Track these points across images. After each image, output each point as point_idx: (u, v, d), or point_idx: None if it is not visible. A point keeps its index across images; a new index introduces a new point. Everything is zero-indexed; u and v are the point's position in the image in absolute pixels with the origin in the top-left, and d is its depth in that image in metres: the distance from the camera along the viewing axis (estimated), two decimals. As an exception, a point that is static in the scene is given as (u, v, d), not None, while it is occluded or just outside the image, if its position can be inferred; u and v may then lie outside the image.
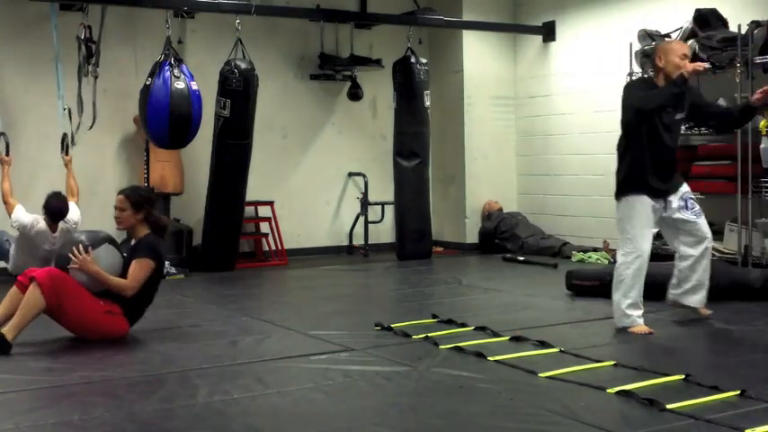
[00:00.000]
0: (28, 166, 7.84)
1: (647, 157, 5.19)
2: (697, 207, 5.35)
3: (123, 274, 5.10)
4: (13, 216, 7.14)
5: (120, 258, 5.18)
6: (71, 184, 7.55)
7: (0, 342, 4.67)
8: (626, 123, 5.28)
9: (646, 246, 5.22)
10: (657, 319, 5.61)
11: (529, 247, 9.34)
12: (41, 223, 7.11)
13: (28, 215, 7.13)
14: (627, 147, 5.29)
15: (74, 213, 7.29)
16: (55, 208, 7.09)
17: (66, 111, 7.65)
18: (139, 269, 5.08)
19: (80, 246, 4.98)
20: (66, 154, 7.66)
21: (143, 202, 5.24)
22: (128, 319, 5.13)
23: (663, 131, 5.20)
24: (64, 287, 4.86)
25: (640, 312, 5.23)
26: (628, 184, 5.26)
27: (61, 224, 7.19)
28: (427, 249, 9.36)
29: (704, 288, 5.42)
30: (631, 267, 5.20)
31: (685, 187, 5.39)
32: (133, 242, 5.26)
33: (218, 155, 8.30)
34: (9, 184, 7.29)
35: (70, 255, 4.95)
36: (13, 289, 4.93)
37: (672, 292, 5.50)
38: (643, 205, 5.22)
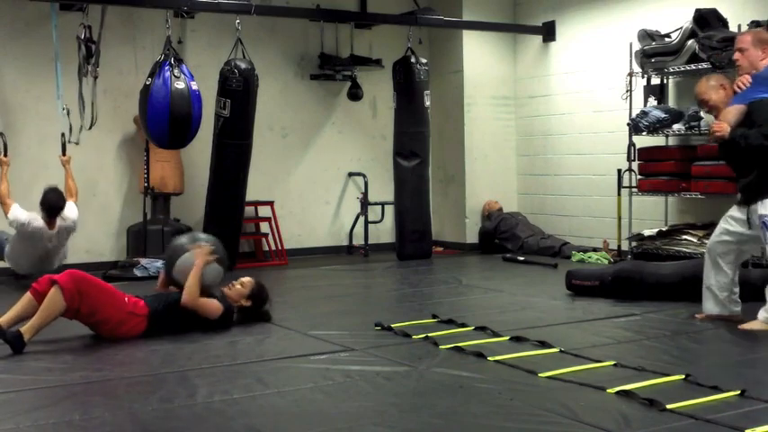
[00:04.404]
0: (28, 166, 7.84)
1: None
2: (766, 232, 5.10)
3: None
4: (10, 215, 7.15)
5: (220, 282, 5.55)
6: (70, 185, 7.56)
7: (17, 340, 4.70)
8: None
9: None
10: (658, 319, 5.61)
11: (529, 247, 9.34)
12: (38, 221, 7.13)
13: (25, 213, 7.15)
14: None
15: (71, 212, 7.32)
16: (52, 202, 7.14)
17: (65, 110, 7.65)
18: (210, 305, 5.30)
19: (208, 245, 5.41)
20: (64, 154, 7.66)
21: (258, 298, 5.60)
22: (150, 324, 5.13)
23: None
24: (86, 289, 4.90)
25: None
26: None
27: (60, 221, 7.21)
28: (427, 249, 9.36)
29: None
30: None
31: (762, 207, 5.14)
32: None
33: (218, 155, 8.29)
34: (7, 185, 7.29)
35: (196, 243, 5.41)
36: (27, 295, 4.94)
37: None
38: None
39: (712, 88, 5.34)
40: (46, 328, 4.85)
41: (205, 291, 5.33)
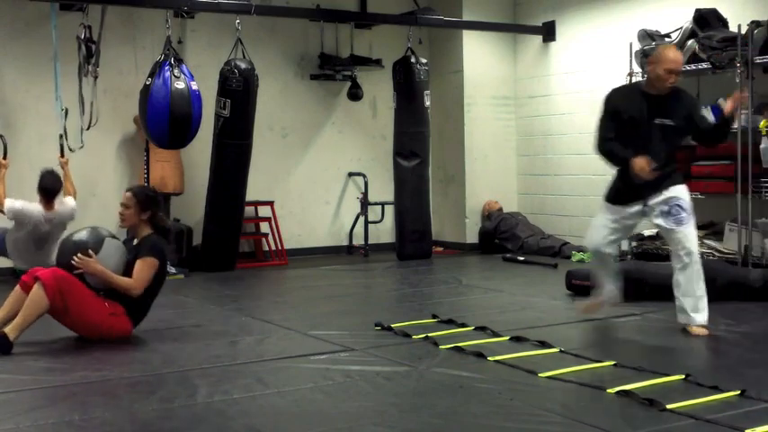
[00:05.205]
0: (27, 166, 7.83)
1: None
2: (682, 214, 5.07)
3: (126, 273, 5.08)
4: (5, 208, 7.22)
5: (125, 253, 5.15)
6: (68, 187, 7.58)
7: (1, 342, 4.67)
8: None
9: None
10: (658, 319, 5.61)
11: (529, 247, 9.34)
12: (34, 204, 7.23)
13: (19, 201, 7.23)
14: None
15: (70, 201, 7.45)
16: (48, 185, 7.23)
17: (63, 111, 7.64)
18: (144, 268, 5.06)
19: (79, 252, 4.94)
20: (62, 156, 7.66)
21: (149, 201, 5.23)
22: (131, 319, 5.12)
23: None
24: (68, 288, 4.84)
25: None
26: None
27: (57, 205, 7.29)
28: (427, 249, 9.36)
29: (684, 309, 5.16)
30: None
31: (673, 191, 5.13)
32: (135, 241, 5.24)
33: (218, 155, 8.30)
34: (4, 187, 7.32)
35: (72, 261, 4.92)
36: (17, 289, 4.93)
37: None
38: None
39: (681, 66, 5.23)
40: (33, 326, 4.82)
41: (126, 268, 5.07)
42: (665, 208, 5.08)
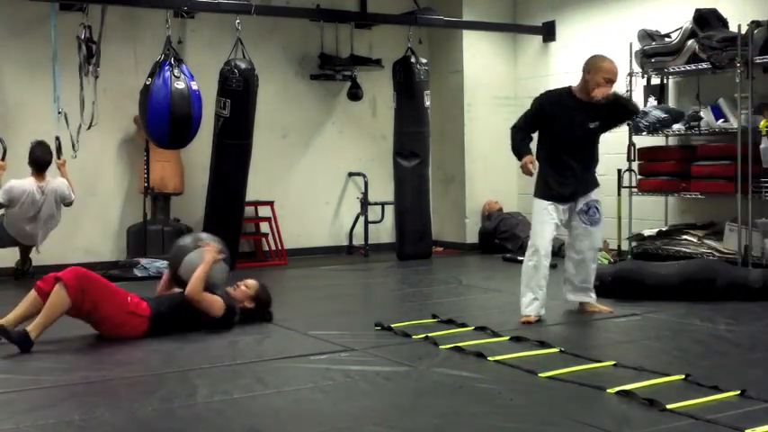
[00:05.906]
0: (26, 166, 7.81)
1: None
2: (597, 215, 5.73)
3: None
4: None
5: (225, 283, 5.57)
6: None
7: (24, 340, 4.71)
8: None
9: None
10: (658, 319, 5.61)
11: (529, 247, 9.33)
12: (25, 180, 7.35)
13: (9, 182, 7.37)
14: None
15: (63, 180, 7.56)
16: (39, 156, 7.39)
17: (62, 114, 7.64)
18: (213, 301, 5.31)
19: (213, 242, 5.50)
20: (59, 158, 7.66)
21: (262, 301, 5.64)
22: (150, 327, 5.12)
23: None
24: (89, 284, 4.92)
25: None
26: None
27: (50, 179, 7.40)
28: (427, 249, 9.36)
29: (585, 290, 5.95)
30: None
31: (594, 194, 5.73)
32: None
33: (218, 155, 8.29)
34: None
35: (204, 238, 5.52)
36: (33, 294, 4.96)
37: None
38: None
39: None
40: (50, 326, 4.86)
41: (209, 289, 5.32)
42: (585, 208, 5.71)
